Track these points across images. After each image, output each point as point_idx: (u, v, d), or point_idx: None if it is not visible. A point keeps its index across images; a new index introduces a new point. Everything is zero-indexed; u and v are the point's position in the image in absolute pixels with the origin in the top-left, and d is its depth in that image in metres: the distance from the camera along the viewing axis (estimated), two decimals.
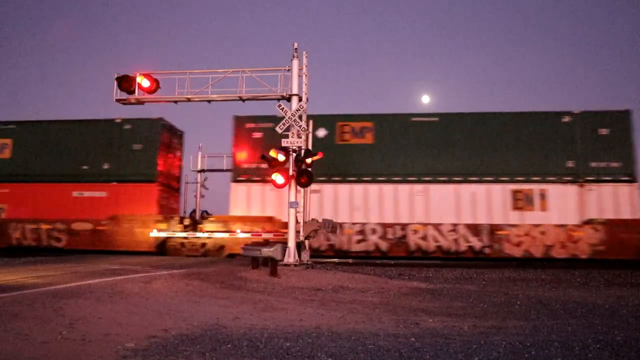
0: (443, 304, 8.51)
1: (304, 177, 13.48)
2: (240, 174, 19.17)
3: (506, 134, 18.51)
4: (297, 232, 13.80)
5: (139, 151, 19.95)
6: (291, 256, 13.35)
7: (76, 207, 19.81)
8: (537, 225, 17.54)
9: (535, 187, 17.97)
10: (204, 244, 19.06)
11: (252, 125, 19.18)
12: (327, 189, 18.44)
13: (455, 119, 19.01)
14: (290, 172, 13.62)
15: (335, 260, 17.97)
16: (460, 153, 18.51)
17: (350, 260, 18.15)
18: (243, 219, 18.70)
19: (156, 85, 15.19)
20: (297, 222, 13.80)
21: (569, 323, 6.74)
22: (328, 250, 18.16)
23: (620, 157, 17.87)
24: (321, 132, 18.64)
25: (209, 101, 15.44)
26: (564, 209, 17.77)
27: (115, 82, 15.15)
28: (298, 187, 13.84)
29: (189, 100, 15.27)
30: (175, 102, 15.49)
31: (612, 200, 17.61)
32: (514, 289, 10.67)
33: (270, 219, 18.50)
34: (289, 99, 14.27)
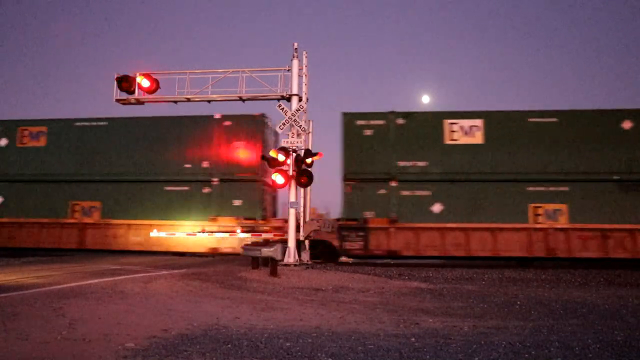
0: (443, 304, 8.51)
1: (304, 177, 13.49)
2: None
3: None
4: (297, 231, 13.82)
5: None
6: (291, 256, 13.36)
7: None
8: None
9: None
10: None
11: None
12: None
13: None
14: (290, 172, 13.63)
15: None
16: None
17: (350, 260, 18.13)
18: None
19: (156, 85, 15.18)
20: (297, 221, 13.82)
21: (569, 323, 6.75)
22: None
23: None
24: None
25: (208, 101, 15.45)
26: None
27: (115, 82, 15.15)
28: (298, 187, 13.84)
29: (188, 100, 15.27)
30: (175, 102, 15.49)
31: None
32: (514, 289, 10.67)
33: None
34: (289, 99, 14.27)
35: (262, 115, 18.93)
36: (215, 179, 18.46)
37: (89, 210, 19.07)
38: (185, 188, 18.61)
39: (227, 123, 18.82)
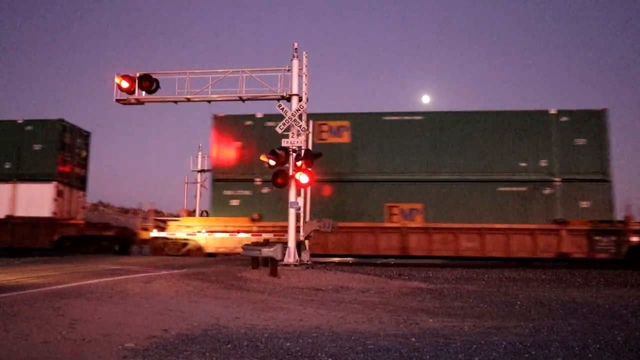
0: (443, 304, 8.51)
1: (304, 177, 13.48)
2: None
3: None
4: (297, 231, 13.81)
5: None
6: (291, 256, 13.35)
7: None
8: None
9: None
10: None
11: None
12: None
13: None
14: (290, 172, 13.62)
15: (336, 260, 17.95)
16: None
17: (350, 260, 18.13)
18: None
19: (156, 85, 15.17)
20: (297, 221, 13.82)
21: (569, 323, 6.74)
22: None
23: None
24: None
25: (209, 101, 15.44)
26: None
27: (115, 82, 15.13)
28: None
29: (188, 100, 15.26)
30: (175, 102, 15.48)
31: None
32: (514, 289, 10.67)
33: None
34: (289, 99, 14.26)
35: (605, 111, 17.71)
36: (557, 179, 17.47)
37: (409, 213, 17.70)
38: (522, 189, 17.46)
39: (564, 119, 17.73)
